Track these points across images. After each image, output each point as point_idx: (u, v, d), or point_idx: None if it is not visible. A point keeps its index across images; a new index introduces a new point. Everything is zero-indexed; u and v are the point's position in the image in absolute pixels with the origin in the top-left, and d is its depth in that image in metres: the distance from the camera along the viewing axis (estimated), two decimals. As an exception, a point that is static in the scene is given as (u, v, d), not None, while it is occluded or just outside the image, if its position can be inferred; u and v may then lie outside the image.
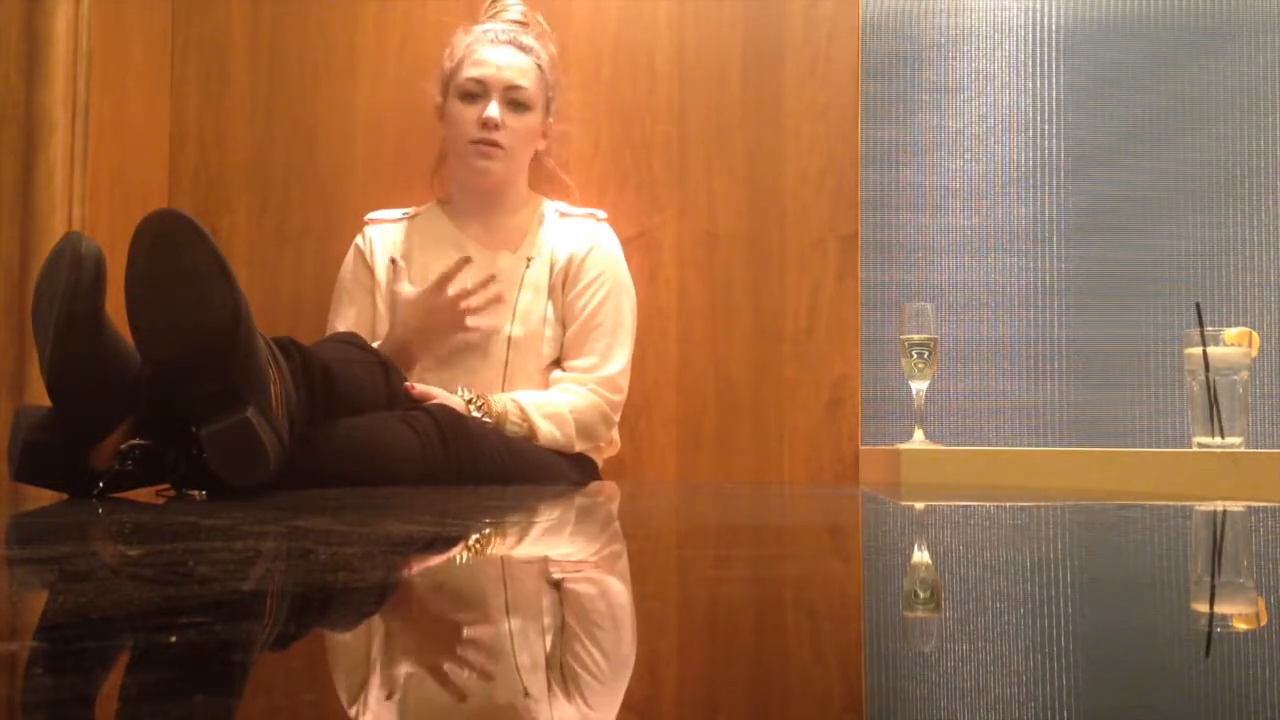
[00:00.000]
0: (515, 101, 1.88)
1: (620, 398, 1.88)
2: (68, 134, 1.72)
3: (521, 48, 1.90)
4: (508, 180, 1.92)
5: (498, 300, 1.81)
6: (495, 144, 1.86)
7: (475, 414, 1.70)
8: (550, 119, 1.97)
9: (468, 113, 1.87)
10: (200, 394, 1.15)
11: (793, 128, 2.12)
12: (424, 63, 2.07)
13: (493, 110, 1.85)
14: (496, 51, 1.89)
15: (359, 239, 1.97)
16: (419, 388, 1.67)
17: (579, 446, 1.81)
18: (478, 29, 1.94)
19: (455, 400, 1.69)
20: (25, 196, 1.69)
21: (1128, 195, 2.26)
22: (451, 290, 1.78)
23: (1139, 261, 2.26)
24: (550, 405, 1.78)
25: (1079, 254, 2.26)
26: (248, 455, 1.14)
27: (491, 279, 1.80)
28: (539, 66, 1.92)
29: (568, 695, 0.37)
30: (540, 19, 2.01)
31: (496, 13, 1.99)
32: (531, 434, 1.75)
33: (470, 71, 1.88)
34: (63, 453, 1.18)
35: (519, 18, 1.98)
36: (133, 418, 1.20)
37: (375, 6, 2.15)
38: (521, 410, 1.75)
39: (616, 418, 1.88)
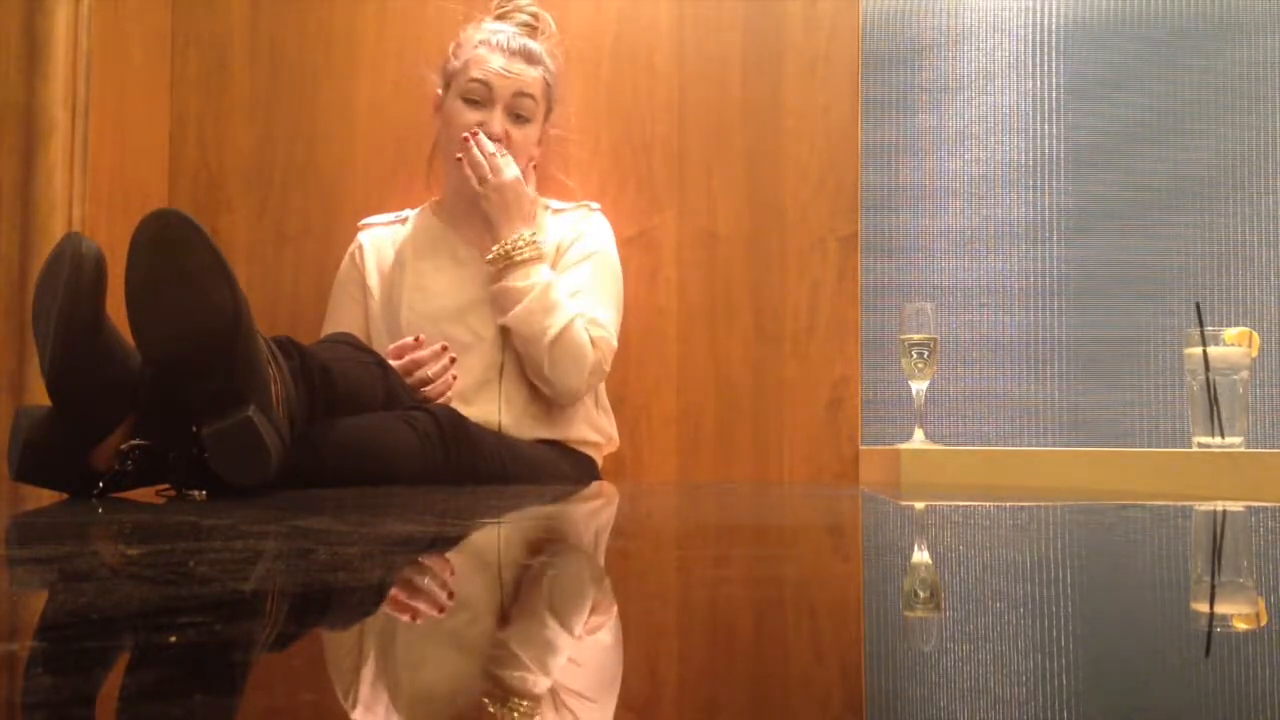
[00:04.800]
0: (518, 114, 1.86)
1: (610, 354, 1.84)
2: (68, 134, 1.72)
3: (531, 59, 1.87)
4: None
5: (447, 381, 1.72)
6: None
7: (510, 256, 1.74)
8: (547, 127, 1.96)
9: (469, 117, 1.84)
10: (201, 393, 1.15)
11: (792, 128, 2.12)
12: (424, 63, 2.06)
13: (497, 124, 1.83)
14: (506, 60, 1.85)
15: (353, 248, 1.97)
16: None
17: (551, 370, 1.76)
18: (487, 27, 1.90)
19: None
20: (25, 196, 1.69)
21: (1127, 192, 2.26)
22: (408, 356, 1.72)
23: (1138, 258, 2.26)
24: (566, 313, 1.77)
25: (1078, 251, 2.26)
26: (250, 454, 1.14)
27: (444, 351, 1.73)
28: (546, 79, 1.90)
29: (568, 695, 0.37)
30: (550, 21, 1.99)
31: (506, 12, 1.96)
32: (542, 306, 1.74)
33: (477, 74, 1.84)
34: (63, 453, 1.18)
35: (529, 19, 1.96)
36: (133, 418, 1.20)
37: (375, 6, 2.15)
38: (546, 290, 1.75)
39: (605, 369, 1.84)
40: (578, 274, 1.86)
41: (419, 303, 1.86)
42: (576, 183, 2.08)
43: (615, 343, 1.86)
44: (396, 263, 1.91)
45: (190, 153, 2.14)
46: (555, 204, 1.97)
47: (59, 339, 1.12)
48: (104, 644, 0.43)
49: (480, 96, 1.84)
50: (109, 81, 1.87)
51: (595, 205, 1.97)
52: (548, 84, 1.90)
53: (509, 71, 1.84)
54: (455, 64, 1.89)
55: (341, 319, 1.91)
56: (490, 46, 1.86)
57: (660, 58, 2.14)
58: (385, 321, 1.88)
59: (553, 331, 1.75)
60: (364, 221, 1.99)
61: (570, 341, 1.77)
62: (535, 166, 1.96)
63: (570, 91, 2.04)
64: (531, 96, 1.86)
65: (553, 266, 1.86)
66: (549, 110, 1.93)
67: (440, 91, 1.92)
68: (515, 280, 1.76)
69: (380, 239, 1.95)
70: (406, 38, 2.14)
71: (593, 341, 1.80)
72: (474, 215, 1.92)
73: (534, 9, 1.98)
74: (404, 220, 1.97)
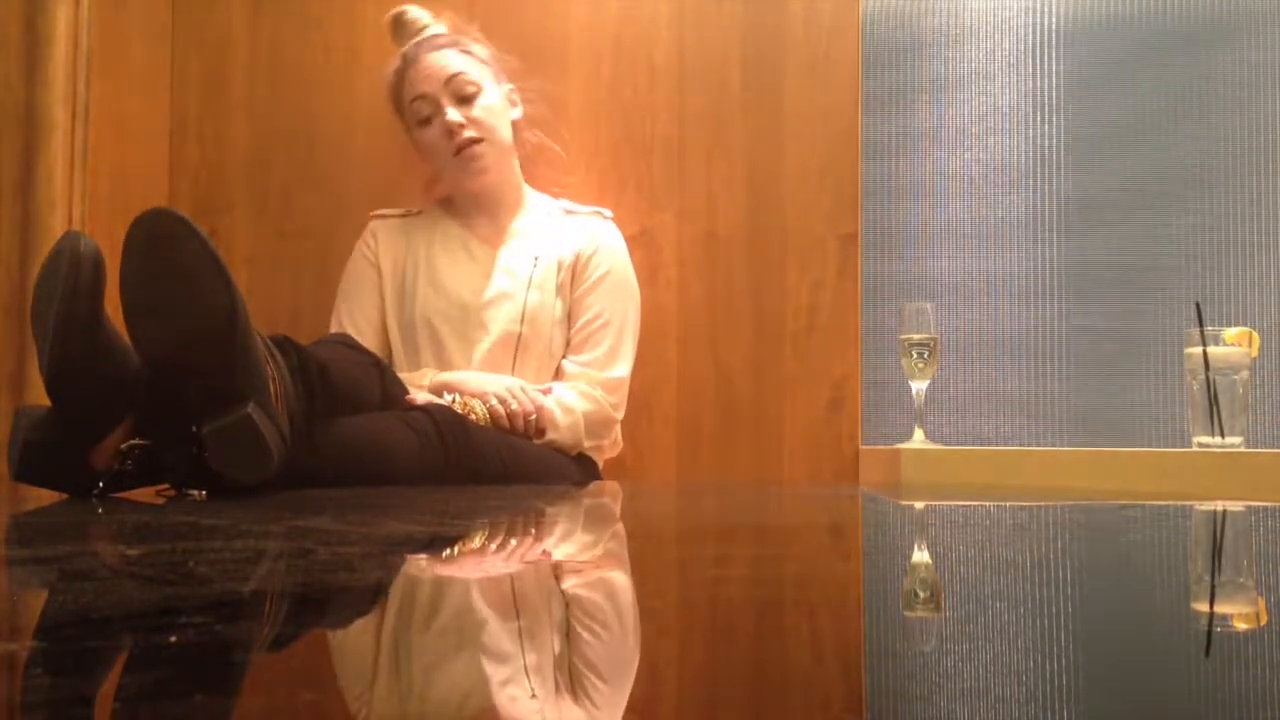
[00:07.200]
0: (462, 95, 1.87)
1: (622, 399, 1.88)
2: (68, 134, 1.72)
3: (434, 47, 1.88)
4: (502, 171, 1.91)
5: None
6: (472, 140, 1.86)
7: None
8: (510, 90, 1.94)
9: (433, 133, 1.87)
10: (200, 392, 1.15)
11: (793, 126, 2.12)
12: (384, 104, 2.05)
13: (451, 115, 1.84)
14: (423, 60, 1.87)
15: (366, 234, 1.97)
16: (411, 397, 1.67)
17: (587, 444, 1.81)
18: (400, 55, 1.91)
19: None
20: (25, 196, 1.69)
21: (1127, 186, 2.26)
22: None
23: (1138, 253, 2.26)
24: (564, 405, 1.78)
25: (1078, 248, 2.26)
26: (250, 452, 1.14)
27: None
28: (466, 51, 1.89)
29: (567, 695, 0.37)
30: (444, 24, 1.95)
31: (406, 36, 1.94)
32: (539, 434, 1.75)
33: (412, 93, 1.87)
34: (63, 453, 1.18)
35: (423, 28, 1.94)
36: (133, 418, 1.20)
37: (375, 6, 2.15)
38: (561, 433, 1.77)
39: (619, 418, 1.89)
40: (594, 299, 1.88)
41: (433, 298, 1.87)
42: (577, 183, 2.08)
43: (627, 372, 1.88)
44: (409, 256, 1.92)
45: (190, 153, 2.14)
46: (568, 205, 1.97)
47: (58, 338, 1.12)
48: (104, 644, 0.43)
49: (427, 111, 1.87)
50: (109, 81, 1.87)
51: (609, 213, 1.98)
52: (471, 53, 1.90)
53: (431, 65, 1.86)
54: (397, 100, 1.91)
55: (361, 303, 1.91)
56: (406, 62, 1.89)
57: (660, 57, 2.14)
58: (397, 316, 1.89)
59: (582, 434, 1.80)
60: (376, 212, 2.00)
61: (593, 426, 1.81)
62: (522, 135, 1.96)
63: (519, 66, 1.98)
64: (463, 73, 1.87)
65: (571, 278, 1.88)
66: (497, 75, 1.92)
67: (406, 131, 1.94)
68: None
69: (393, 230, 1.96)
70: (406, 37, 2.14)
71: (606, 401, 1.83)
72: (483, 211, 1.93)
73: (424, 23, 1.95)
74: (415, 214, 1.98)
